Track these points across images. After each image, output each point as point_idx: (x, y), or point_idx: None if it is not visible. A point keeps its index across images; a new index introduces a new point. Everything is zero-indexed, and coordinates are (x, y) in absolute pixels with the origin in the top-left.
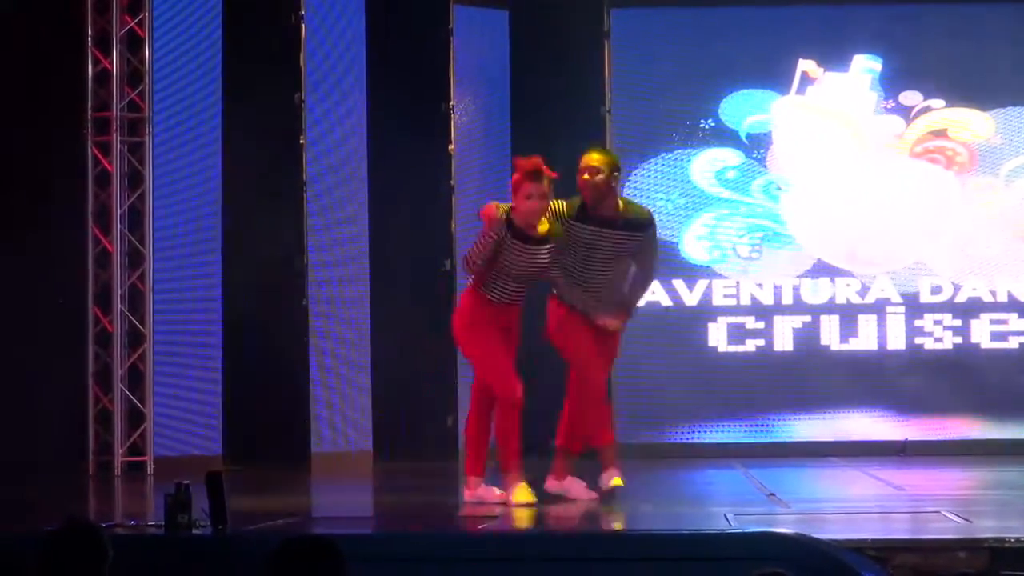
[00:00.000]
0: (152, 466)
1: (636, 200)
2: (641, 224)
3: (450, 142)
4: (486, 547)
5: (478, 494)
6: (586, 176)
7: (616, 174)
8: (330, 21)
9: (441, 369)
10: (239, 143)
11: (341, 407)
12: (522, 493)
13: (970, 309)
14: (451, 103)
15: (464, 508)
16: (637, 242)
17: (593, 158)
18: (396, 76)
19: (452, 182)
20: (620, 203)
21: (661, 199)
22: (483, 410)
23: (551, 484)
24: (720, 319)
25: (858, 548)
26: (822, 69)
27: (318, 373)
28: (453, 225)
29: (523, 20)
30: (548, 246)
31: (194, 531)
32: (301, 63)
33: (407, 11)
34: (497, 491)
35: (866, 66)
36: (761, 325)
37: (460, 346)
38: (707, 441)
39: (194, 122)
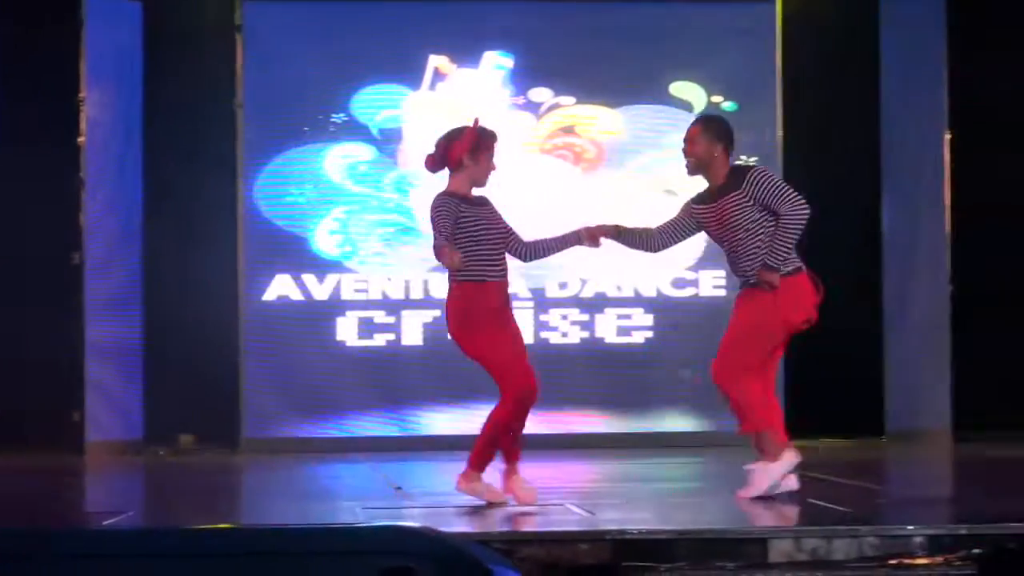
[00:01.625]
0: None
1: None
2: (733, 183)
3: (80, 135)
4: (88, 544)
5: (475, 488)
6: (684, 148)
7: (718, 143)
8: None
9: (68, 360)
10: None
11: None
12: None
13: (596, 304)
14: (81, 95)
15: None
16: (737, 203)
17: (688, 130)
18: (22, 66)
19: (81, 175)
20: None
21: (293, 193)
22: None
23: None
24: (350, 313)
25: (484, 541)
26: (454, 65)
27: None
28: (83, 218)
29: (156, 12)
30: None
31: None
32: None
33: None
34: (494, 490)
35: (497, 62)
36: (391, 320)
37: (462, 346)
38: (336, 435)
39: None
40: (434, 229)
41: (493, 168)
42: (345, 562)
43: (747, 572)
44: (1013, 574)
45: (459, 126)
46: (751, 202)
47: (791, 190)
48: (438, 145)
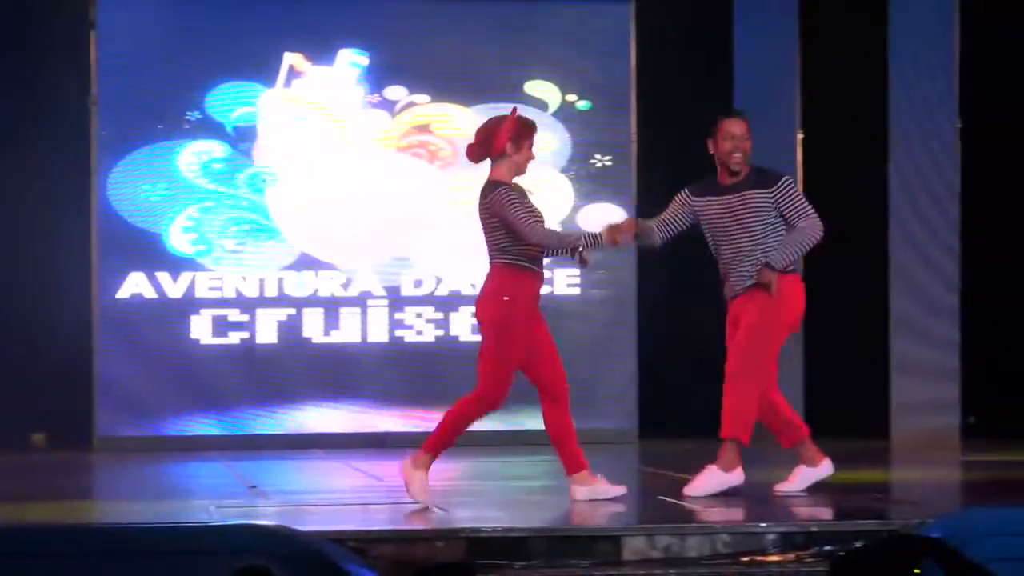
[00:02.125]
0: None
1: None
2: (759, 181)
3: None
4: None
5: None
6: (738, 144)
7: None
8: None
9: None
10: None
11: None
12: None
13: (451, 302)
14: None
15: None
16: (760, 202)
17: (741, 124)
18: None
19: None
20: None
21: (147, 191)
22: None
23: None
24: (204, 311)
25: (338, 539)
26: (309, 63)
27: None
28: None
29: (6, 7)
30: None
31: None
32: None
33: None
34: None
35: (352, 60)
36: (245, 318)
37: (496, 332)
38: (190, 434)
39: None
40: (519, 216)
41: (532, 157)
42: (198, 561)
43: (601, 570)
44: (863, 571)
45: (499, 116)
46: (773, 205)
47: (812, 207)
48: (479, 134)
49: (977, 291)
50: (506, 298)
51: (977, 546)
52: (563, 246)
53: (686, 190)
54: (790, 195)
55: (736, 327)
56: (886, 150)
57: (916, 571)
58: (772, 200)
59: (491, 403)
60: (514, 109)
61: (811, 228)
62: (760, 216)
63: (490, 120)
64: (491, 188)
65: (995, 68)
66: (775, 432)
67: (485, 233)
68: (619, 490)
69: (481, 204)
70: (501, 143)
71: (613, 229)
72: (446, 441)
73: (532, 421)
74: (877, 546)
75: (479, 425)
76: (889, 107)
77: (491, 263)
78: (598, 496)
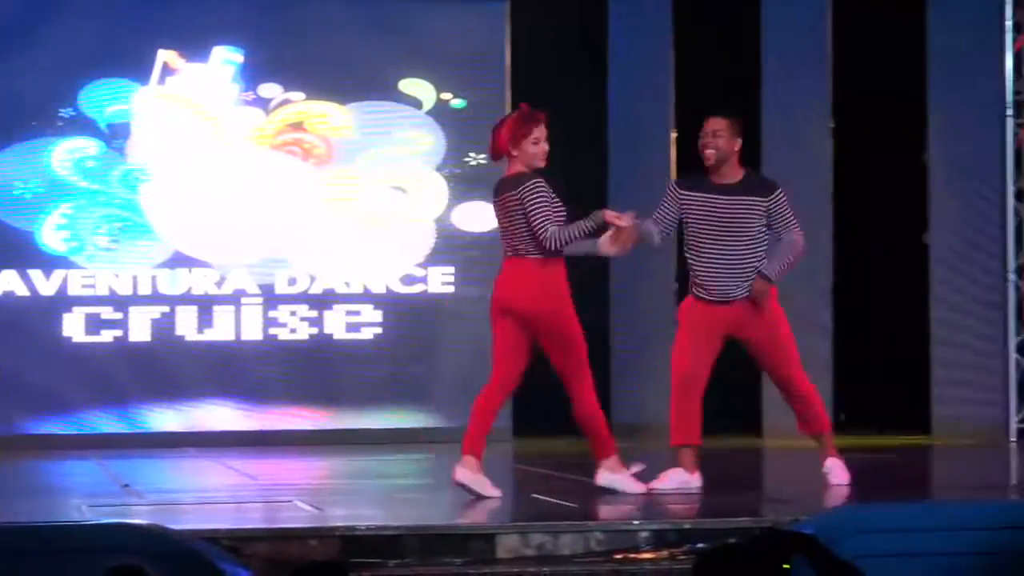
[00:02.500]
0: None
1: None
2: (756, 188)
3: None
4: None
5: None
6: (709, 139)
7: (738, 139)
8: None
9: None
10: None
11: None
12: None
13: (325, 300)
14: None
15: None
16: (755, 209)
17: (713, 121)
18: None
19: None
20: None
21: (19, 188)
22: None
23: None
24: (76, 309)
25: (212, 538)
26: (183, 60)
27: None
28: None
29: None
30: None
31: None
32: None
33: None
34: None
35: (226, 57)
36: (119, 316)
37: (559, 323)
38: (62, 432)
39: None
40: (544, 211)
41: (542, 148)
42: (70, 560)
43: (474, 568)
44: (730, 567)
45: (505, 115)
46: (766, 214)
47: (797, 220)
48: (491, 135)
49: (849, 287)
50: (556, 291)
51: (848, 543)
52: (577, 252)
53: (674, 183)
54: (783, 207)
55: (719, 333)
56: (759, 147)
57: (786, 566)
58: (766, 209)
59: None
60: (521, 105)
61: (799, 242)
62: (753, 224)
63: (499, 120)
64: (518, 181)
65: (866, 66)
66: (809, 416)
67: (511, 226)
68: (640, 487)
69: (508, 196)
70: (502, 145)
71: (615, 237)
72: (481, 441)
73: (405, 420)
74: (746, 543)
75: (354, 423)
76: (763, 105)
77: (518, 256)
78: (616, 486)
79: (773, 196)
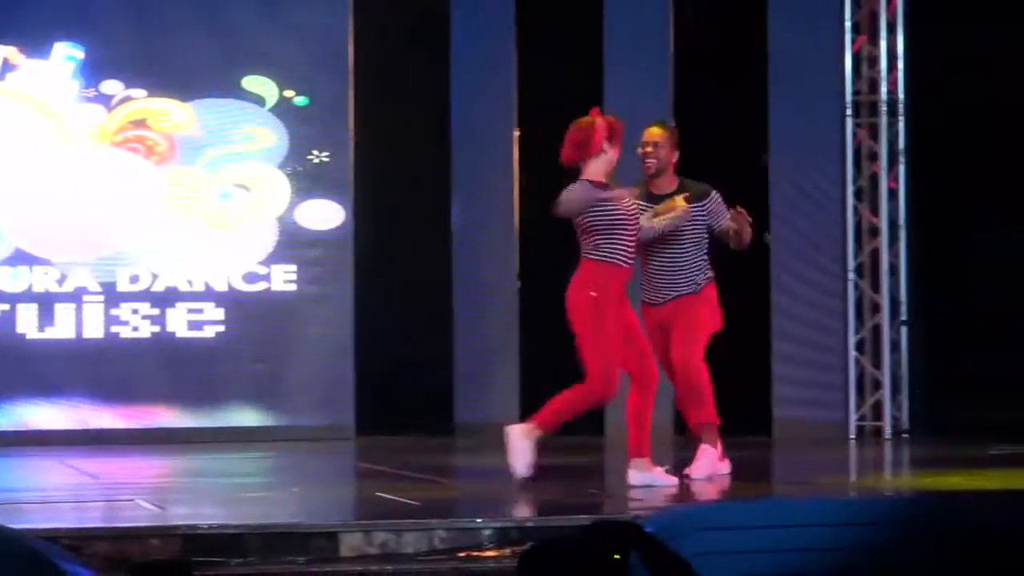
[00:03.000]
0: None
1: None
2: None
3: None
4: None
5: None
6: (649, 150)
7: (676, 151)
8: None
9: None
10: None
11: None
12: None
13: (167, 298)
14: None
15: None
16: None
17: (653, 132)
18: None
19: None
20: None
21: None
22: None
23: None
24: None
25: (52, 537)
26: (23, 56)
27: None
28: None
29: None
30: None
31: None
32: None
33: None
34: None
35: (68, 53)
36: None
37: (584, 321)
38: None
39: None
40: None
41: (603, 152)
42: None
43: (317, 566)
44: (559, 560)
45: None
46: (706, 216)
47: None
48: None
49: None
50: (593, 293)
51: (688, 541)
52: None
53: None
54: (720, 205)
55: (663, 332)
56: None
57: (616, 556)
58: (705, 212)
59: (599, 395)
60: (592, 110)
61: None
62: (697, 230)
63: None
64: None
65: (707, 66)
66: (693, 404)
67: (577, 228)
68: (671, 479)
69: None
70: (568, 154)
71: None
72: (552, 422)
73: (246, 418)
74: (573, 535)
75: (195, 421)
76: (605, 105)
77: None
78: (651, 483)
79: (710, 199)
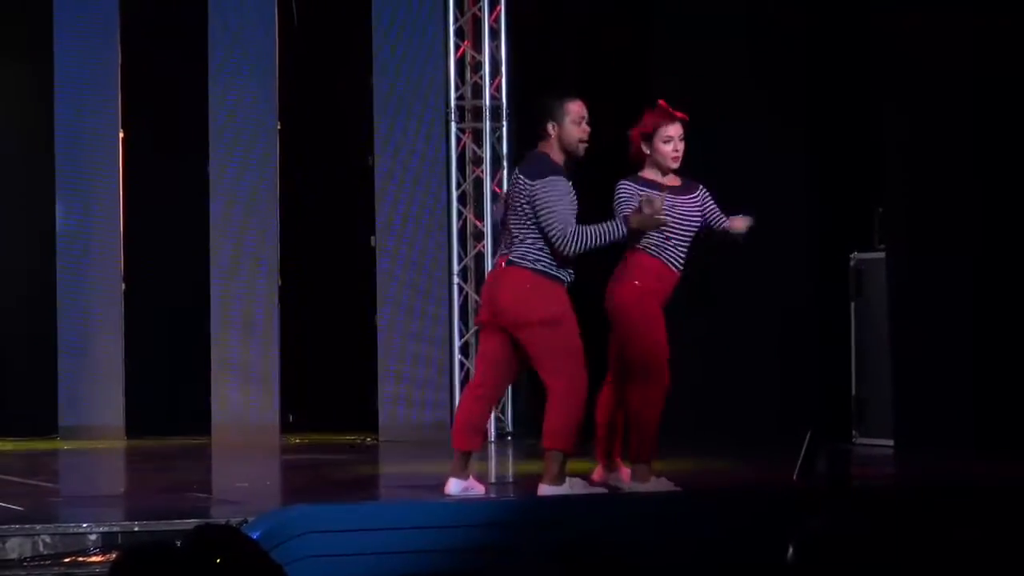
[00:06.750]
0: None
1: None
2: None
3: None
4: None
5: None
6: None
7: None
8: None
9: None
10: None
11: None
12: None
13: None
14: None
15: None
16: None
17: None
18: None
19: None
20: None
21: None
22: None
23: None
24: None
25: None
26: None
27: None
28: None
29: None
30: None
31: None
32: None
33: None
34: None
35: None
36: None
37: (633, 320)
38: None
39: None
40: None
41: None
42: None
43: None
44: (145, 572)
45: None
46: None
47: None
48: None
49: (295, 290)
50: (637, 283)
51: (296, 544)
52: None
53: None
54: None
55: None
56: (207, 146)
57: (218, 561)
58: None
59: (664, 387)
60: (660, 101)
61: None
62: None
63: None
64: None
65: (313, 69)
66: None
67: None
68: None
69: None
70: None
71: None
72: (651, 449)
73: None
74: (172, 541)
75: None
76: (209, 108)
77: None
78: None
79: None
